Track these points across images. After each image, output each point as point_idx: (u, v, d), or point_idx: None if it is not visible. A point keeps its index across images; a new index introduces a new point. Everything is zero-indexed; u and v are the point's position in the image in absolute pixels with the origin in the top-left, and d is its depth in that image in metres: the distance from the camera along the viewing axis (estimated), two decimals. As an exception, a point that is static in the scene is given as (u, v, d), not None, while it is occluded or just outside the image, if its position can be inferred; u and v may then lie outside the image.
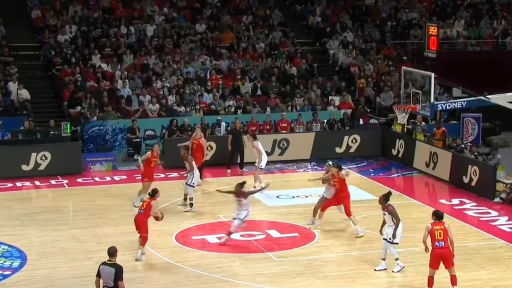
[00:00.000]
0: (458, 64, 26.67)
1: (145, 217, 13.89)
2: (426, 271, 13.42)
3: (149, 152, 17.70)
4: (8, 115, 22.67)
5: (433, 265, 12.25)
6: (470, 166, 19.00)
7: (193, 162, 17.42)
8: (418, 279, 13.36)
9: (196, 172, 17.34)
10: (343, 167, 16.30)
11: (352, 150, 22.67)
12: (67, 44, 25.84)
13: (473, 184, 18.85)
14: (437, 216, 12.29)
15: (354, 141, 22.64)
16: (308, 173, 21.34)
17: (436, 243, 12.07)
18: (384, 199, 13.43)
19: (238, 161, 21.02)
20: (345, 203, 15.62)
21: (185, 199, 17.44)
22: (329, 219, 16.22)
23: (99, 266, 10.60)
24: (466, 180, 19.08)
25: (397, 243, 13.42)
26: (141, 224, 13.93)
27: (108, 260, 10.56)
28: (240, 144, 20.82)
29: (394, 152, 22.14)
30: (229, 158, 20.88)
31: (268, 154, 21.80)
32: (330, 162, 16.16)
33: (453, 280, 12.30)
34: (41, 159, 20.33)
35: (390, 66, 26.99)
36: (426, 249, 12.36)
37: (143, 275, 13.32)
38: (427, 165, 20.58)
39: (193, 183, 17.18)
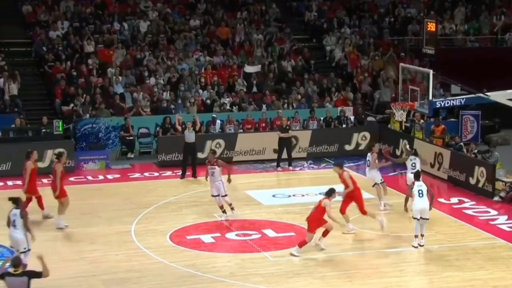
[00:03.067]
0: (457, 60, 26.45)
1: None
2: (425, 271, 13.59)
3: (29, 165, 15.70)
4: (-1, 112, 22.47)
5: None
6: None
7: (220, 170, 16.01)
8: (417, 279, 13.30)
9: (224, 179, 16.15)
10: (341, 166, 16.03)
11: (348, 149, 22.46)
12: (59, 40, 25.58)
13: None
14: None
15: (364, 138, 22.45)
16: (304, 171, 21.12)
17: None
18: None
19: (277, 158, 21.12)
20: (357, 202, 15.36)
21: (223, 211, 16.28)
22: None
23: (4, 277, 10.20)
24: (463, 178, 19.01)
25: (415, 218, 14.35)
26: None
27: (14, 271, 10.16)
28: (287, 142, 20.92)
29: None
30: (278, 155, 21.07)
31: (262, 153, 21.80)
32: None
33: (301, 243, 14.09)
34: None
35: (388, 61, 26.74)
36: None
37: (137, 275, 13.17)
38: (432, 165, 20.32)
39: (226, 192, 16.11)
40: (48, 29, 25.97)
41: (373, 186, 17.22)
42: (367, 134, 22.43)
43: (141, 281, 12.89)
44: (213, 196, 16.24)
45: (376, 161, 17.14)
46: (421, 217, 14.35)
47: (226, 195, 16.20)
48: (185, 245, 14.69)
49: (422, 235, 14.44)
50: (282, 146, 21.05)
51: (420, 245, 14.43)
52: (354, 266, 13.71)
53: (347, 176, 15.29)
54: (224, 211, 16.23)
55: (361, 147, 22.32)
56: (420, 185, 14.37)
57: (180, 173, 20.08)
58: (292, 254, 14.04)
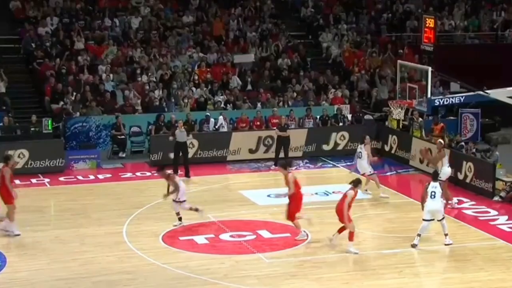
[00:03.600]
0: (456, 57, 26.19)
1: None
2: (424, 273, 13.51)
3: None
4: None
5: None
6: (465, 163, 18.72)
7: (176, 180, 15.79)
8: (415, 280, 13.16)
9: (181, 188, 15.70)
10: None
11: (342, 147, 22.19)
12: (48, 37, 25.24)
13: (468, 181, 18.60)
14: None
15: (342, 138, 22.21)
16: (300, 171, 20.86)
17: None
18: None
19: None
20: (291, 206, 14.74)
21: (195, 209, 15.85)
22: (322, 220, 15.73)
23: None
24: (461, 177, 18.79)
25: (425, 220, 14.28)
26: None
27: None
28: (285, 141, 20.77)
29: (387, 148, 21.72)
30: (276, 154, 20.91)
31: (255, 151, 21.57)
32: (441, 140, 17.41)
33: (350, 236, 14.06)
34: (18, 156, 19.68)
35: (385, 60, 26.50)
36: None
37: (128, 277, 12.99)
38: (421, 161, 20.18)
39: (179, 198, 15.61)
40: (37, 26, 25.62)
41: (362, 175, 17.27)
42: (346, 134, 22.16)
43: (132, 283, 12.77)
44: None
45: (370, 154, 17.46)
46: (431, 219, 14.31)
47: (183, 201, 15.61)
48: (178, 246, 14.52)
49: (446, 235, 14.39)
50: (280, 144, 20.86)
51: (446, 244, 14.37)
52: (351, 267, 13.56)
53: (291, 178, 14.67)
54: (196, 209, 15.68)
55: (339, 147, 22.18)
56: (435, 186, 14.31)
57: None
58: (349, 252, 13.96)
